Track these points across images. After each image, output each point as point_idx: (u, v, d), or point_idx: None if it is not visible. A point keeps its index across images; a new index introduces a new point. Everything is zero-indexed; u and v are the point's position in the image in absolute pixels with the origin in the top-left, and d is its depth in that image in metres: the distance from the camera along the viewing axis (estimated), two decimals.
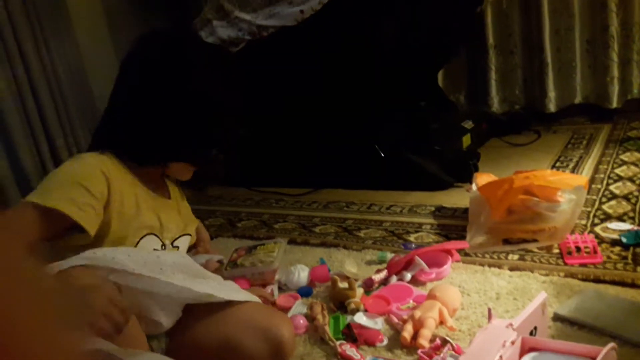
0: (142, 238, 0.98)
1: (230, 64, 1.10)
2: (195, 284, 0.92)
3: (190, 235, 1.14)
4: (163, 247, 1.03)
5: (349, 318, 1.15)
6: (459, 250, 1.38)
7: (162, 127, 0.98)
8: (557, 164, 2.02)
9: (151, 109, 0.97)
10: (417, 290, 1.22)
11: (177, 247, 1.08)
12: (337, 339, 1.08)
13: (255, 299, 1.04)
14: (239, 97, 1.07)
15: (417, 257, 1.29)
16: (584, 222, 1.45)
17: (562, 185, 1.36)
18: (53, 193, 0.87)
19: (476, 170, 1.97)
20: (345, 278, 1.25)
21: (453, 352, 0.97)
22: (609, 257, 1.24)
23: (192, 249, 1.24)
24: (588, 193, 1.62)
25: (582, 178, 1.43)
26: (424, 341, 1.00)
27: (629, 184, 1.67)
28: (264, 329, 0.96)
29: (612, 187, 1.66)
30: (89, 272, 0.78)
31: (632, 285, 1.11)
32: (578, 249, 1.26)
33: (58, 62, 2.61)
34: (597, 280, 1.15)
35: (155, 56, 0.99)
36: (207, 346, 0.98)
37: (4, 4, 2.39)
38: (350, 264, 1.39)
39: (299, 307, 1.24)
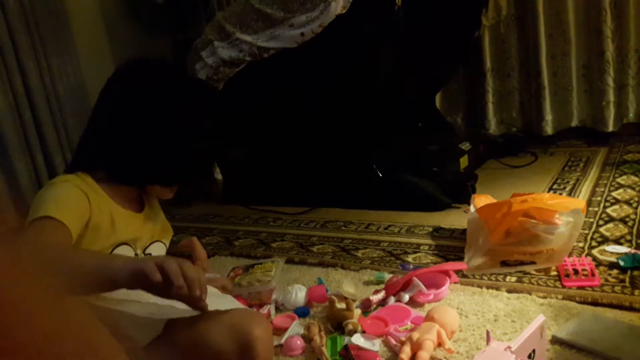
0: (114, 249, 1.02)
1: (205, 92, 1.18)
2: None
3: (163, 243, 1.17)
4: (135, 255, 1.07)
5: (346, 339, 1.14)
6: (457, 272, 1.38)
7: (138, 154, 1.04)
8: (554, 186, 2.03)
9: (126, 137, 1.03)
10: (415, 312, 1.22)
11: (150, 254, 1.11)
12: None
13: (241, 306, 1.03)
14: (209, 123, 1.12)
15: (415, 278, 1.29)
16: (581, 244, 1.45)
17: (561, 208, 1.36)
18: (50, 208, 0.91)
19: (474, 191, 1.98)
20: (343, 298, 1.24)
21: None
22: (606, 280, 1.24)
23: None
24: (585, 216, 1.63)
25: (581, 201, 1.44)
26: None
27: (625, 207, 1.68)
28: (233, 324, 0.93)
29: (609, 210, 1.67)
30: (72, 299, 0.80)
31: (630, 308, 1.11)
32: (576, 271, 1.26)
33: (58, 79, 2.63)
34: (595, 303, 1.15)
35: (131, 87, 1.06)
36: (179, 343, 0.96)
37: (5, 20, 2.41)
38: (348, 284, 1.38)
39: (296, 327, 1.23)
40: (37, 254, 0.79)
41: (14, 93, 2.47)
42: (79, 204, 0.96)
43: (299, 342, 1.14)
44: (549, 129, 2.68)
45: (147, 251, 1.10)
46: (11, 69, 2.45)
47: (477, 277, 1.36)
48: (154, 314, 0.89)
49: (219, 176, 2.56)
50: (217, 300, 0.99)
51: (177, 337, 0.97)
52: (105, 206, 1.02)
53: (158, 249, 1.14)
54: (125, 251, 1.04)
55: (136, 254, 1.06)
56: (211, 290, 1.04)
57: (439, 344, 1.06)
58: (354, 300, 1.26)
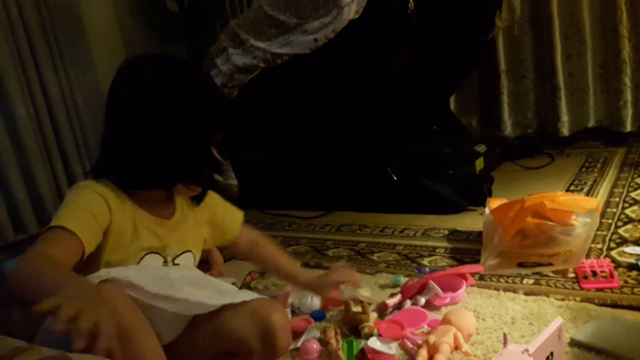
0: (143, 258, 0.99)
1: (213, 86, 1.10)
2: (210, 297, 0.92)
3: (191, 252, 1.11)
4: (165, 264, 1.04)
5: (362, 343, 1.14)
6: (474, 275, 1.37)
7: (160, 153, 0.98)
8: (572, 188, 2.01)
9: (145, 135, 0.98)
10: (432, 315, 1.22)
11: (178, 264, 1.07)
12: None
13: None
14: (220, 115, 1.07)
15: (431, 282, 1.28)
16: (599, 246, 1.44)
17: (574, 207, 1.35)
18: (61, 217, 0.90)
19: (490, 193, 1.97)
20: (359, 302, 1.25)
21: None
22: (626, 281, 1.22)
23: (206, 273, 1.23)
24: (603, 217, 1.61)
25: (594, 200, 1.42)
26: None
27: None
28: (252, 311, 0.94)
29: (627, 211, 1.65)
30: (114, 288, 0.81)
31: None
32: (594, 273, 1.24)
33: (77, 89, 2.68)
34: (614, 305, 1.13)
35: (146, 82, 0.99)
36: (201, 335, 0.97)
37: (26, 34, 2.47)
38: (364, 288, 1.39)
39: (312, 331, 1.23)
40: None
41: (34, 104, 2.52)
42: (95, 211, 0.93)
43: (315, 346, 1.14)
44: (565, 130, 2.66)
45: (177, 260, 1.06)
46: (32, 81, 2.50)
47: (494, 279, 1.35)
48: (183, 310, 0.90)
49: (234, 181, 2.58)
50: (239, 294, 0.99)
51: (199, 329, 0.97)
52: (128, 212, 0.99)
53: (186, 260, 1.08)
54: (154, 260, 1.01)
55: (165, 262, 1.04)
56: (232, 287, 1.05)
57: (456, 347, 1.05)
58: (369, 304, 1.26)
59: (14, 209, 2.44)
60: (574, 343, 1.01)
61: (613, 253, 1.38)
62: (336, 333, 1.16)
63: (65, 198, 0.96)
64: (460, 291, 1.28)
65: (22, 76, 2.48)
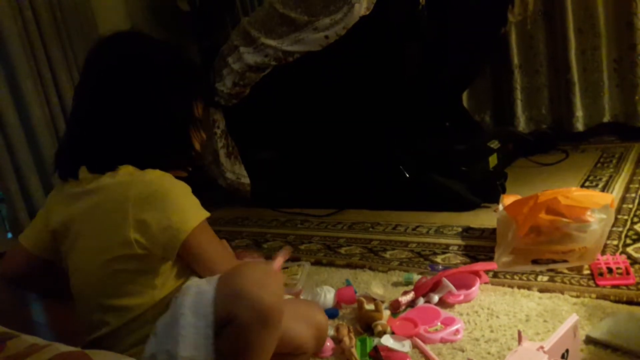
0: None
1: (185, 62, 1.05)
2: None
3: None
4: None
5: (375, 340, 1.14)
6: (488, 272, 1.36)
7: (139, 136, 0.95)
8: (587, 184, 1.98)
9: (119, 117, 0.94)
10: (445, 313, 1.21)
11: None
12: None
13: None
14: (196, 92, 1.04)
15: (444, 279, 1.28)
16: (615, 242, 1.42)
17: (588, 203, 1.33)
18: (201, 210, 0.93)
19: (504, 190, 1.96)
20: (372, 300, 1.25)
21: None
22: None
23: None
24: (619, 213, 1.59)
25: (609, 196, 1.40)
26: None
27: None
28: (305, 315, 1.02)
29: None
30: None
31: None
32: (610, 270, 1.23)
33: None
34: (630, 302, 1.12)
35: (113, 62, 0.97)
36: None
37: (40, 35, 2.50)
38: (377, 286, 1.39)
39: None
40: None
41: (49, 104, 2.56)
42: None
43: (328, 344, 1.14)
44: (579, 126, 2.63)
45: None
46: (46, 81, 2.54)
47: (508, 277, 1.34)
48: None
49: (246, 180, 2.59)
50: None
51: None
52: None
53: None
54: None
55: None
56: None
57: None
58: (382, 302, 1.26)
59: (32, 209, 2.48)
60: (589, 340, 1.00)
61: (629, 249, 1.37)
62: (349, 331, 1.16)
63: (176, 197, 0.89)
64: (473, 288, 1.27)
65: (36, 77, 2.51)
